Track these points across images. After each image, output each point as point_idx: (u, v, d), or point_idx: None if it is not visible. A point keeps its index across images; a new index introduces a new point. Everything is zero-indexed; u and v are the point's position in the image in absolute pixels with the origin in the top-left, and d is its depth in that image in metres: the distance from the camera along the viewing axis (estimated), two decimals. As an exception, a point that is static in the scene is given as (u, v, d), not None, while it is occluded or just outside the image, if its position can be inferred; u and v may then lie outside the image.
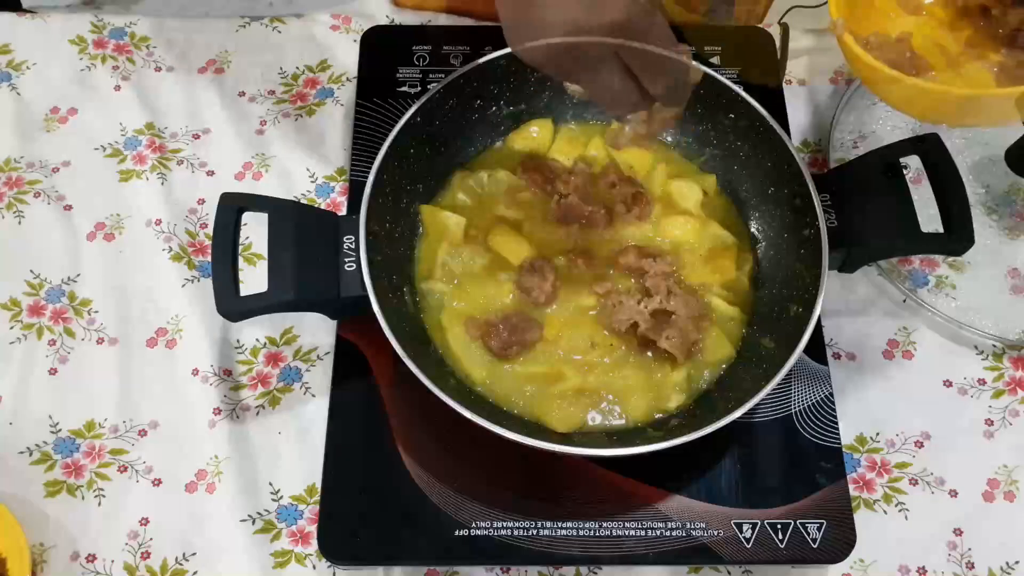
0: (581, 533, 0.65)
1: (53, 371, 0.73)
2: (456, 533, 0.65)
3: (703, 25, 0.90)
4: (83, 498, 0.69)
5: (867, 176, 0.69)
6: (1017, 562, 0.68)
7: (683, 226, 0.74)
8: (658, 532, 0.65)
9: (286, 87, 0.87)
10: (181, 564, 0.67)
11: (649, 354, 0.69)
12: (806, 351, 0.63)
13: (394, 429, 0.69)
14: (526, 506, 0.66)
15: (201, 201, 0.81)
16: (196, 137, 0.84)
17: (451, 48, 0.85)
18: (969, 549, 0.69)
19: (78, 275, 0.77)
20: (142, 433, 0.71)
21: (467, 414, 0.59)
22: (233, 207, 0.64)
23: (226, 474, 0.70)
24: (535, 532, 0.65)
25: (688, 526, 0.65)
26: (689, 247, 0.73)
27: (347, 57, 0.88)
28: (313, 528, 0.68)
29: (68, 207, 0.80)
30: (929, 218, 0.67)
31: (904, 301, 0.77)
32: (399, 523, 0.65)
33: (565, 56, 0.52)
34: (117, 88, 0.86)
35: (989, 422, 0.73)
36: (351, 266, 0.65)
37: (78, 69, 0.87)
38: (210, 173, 0.82)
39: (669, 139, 0.79)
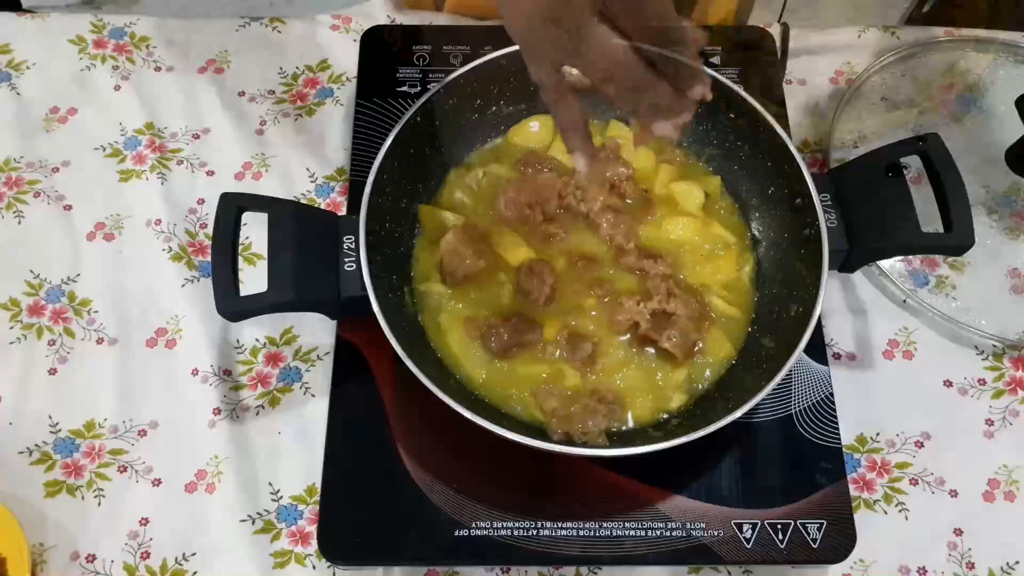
0: (581, 533, 0.65)
1: (53, 371, 0.73)
2: (456, 533, 0.65)
3: (703, 25, 0.90)
4: (83, 498, 0.69)
5: (867, 176, 0.69)
6: (1017, 562, 0.68)
7: (684, 227, 0.74)
8: (658, 532, 0.65)
9: (286, 87, 0.87)
10: (181, 564, 0.67)
11: (650, 353, 0.69)
12: (806, 351, 0.63)
13: (394, 429, 0.69)
14: (526, 506, 0.66)
15: (201, 201, 0.81)
16: (196, 137, 0.84)
17: (451, 48, 0.85)
18: (969, 549, 0.69)
19: (78, 275, 0.77)
20: (142, 433, 0.71)
21: (467, 415, 0.59)
22: (233, 207, 0.64)
23: (226, 474, 0.70)
24: (535, 532, 0.65)
25: (688, 526, 0.65)
26: (690, 247, 0.73)
27: (347, 57, 0.88)
28: (313, 528, 0.68)
29: (68, 207, 0.80)
30: (929, 218, 0.67)
31: (904, 301, 0.77)
32: (399, 523, 0.65)
33: (551, 26, 0.48)
34: (117, 88, 0.86)
35: (989, 422, 0.73)
36: (351, 266, 0.65)
37: (78, 69, 0.87)
38: (210, 173, 0.82)
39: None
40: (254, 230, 0.77)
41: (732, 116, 0.74)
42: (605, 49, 0.48)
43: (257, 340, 0.75)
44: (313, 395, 0.73)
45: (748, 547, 0.65)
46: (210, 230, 0.67)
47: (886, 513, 0.70)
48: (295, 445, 0.71)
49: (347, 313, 0.68)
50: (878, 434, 0.72)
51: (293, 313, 0.67)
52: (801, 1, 0.90)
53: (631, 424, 0.67)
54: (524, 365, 0.68)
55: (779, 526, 0.65)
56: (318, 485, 0.68)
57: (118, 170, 0.82)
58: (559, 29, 0.48)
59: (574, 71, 0.52)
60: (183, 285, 0.77)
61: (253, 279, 0.73)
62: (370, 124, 0.80)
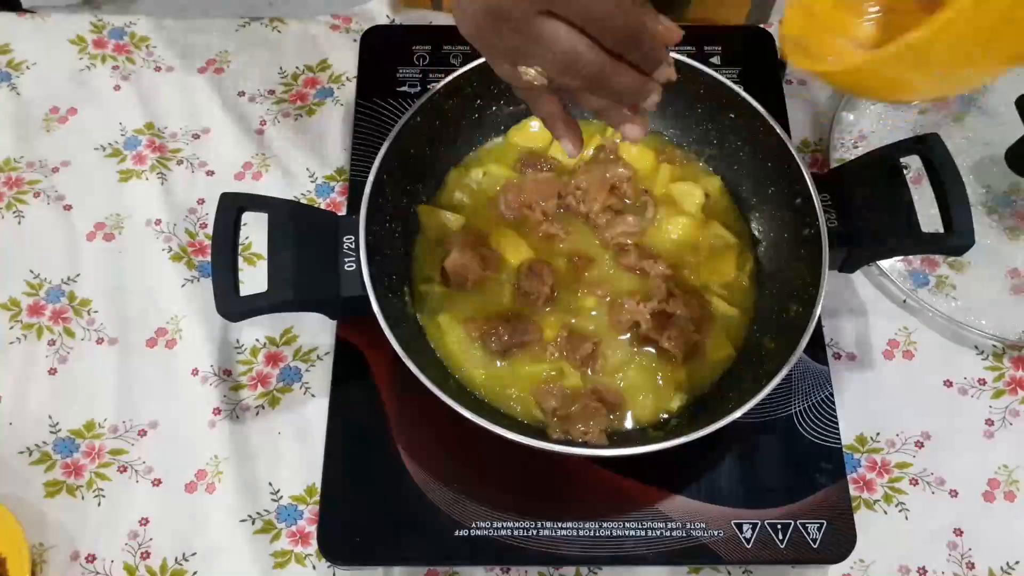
0: (581, 533, 0.65)
1: (53, 371, 0.73)
2: (456, 533, 0.65)
3: (703, 25, 0.90)
4: (83, 498, 0.69)
5: (867, 176, 0.69)
6: (1017, 562, 0.68)
7: (684, 227, 0.73)
8: (658, 532, 0.65)
9: (286, 87, 0.87)
10: (181, 564, 0.67)
11: (650, 353, 0.69)
12: (806, 351, 0.63)
13: (394, 429, 0.69)
14: (526, 506, 0.66)
15: (201, 201, 0.81)
16: (196, 137, 0.84)
17: (451, 48, 0.85)
18: (969, 549, 0.69)
19: (78, 275, 0.77)
20: (142, 433, 0.71)
21: (467, 415, 0.59)
22: (233, 207, 0.64)
23: (226, 474, 0.70)
24: (535, 532, 0.65)
25: (688, 526, 0.65)
26: (690, 248, 0.73)
27: (347, 57, 0.88)
28: (313, 528, 0.68)
29: (68, 207, 0.80)
30: (929, 218, 0.67)
31: (904, 301, 0.77)
32: (399, 523, 0.65)
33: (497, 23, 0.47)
34: (117, 88, 0.86)
35: (989, 422, 0.73)
36: (351, 266, 0.65)
37: (78, 69, 0.87)
38: (210, 173, 0.82)
39: (668, 138, 0.79)
40: (254, 230, 0.77)
41: (732, 116, 0.73)
42: (556, 42, 0.46)
43: (257, 340, 0.75)
44: (313, 395, 0.73)
45: (748, 547, 0.65)
46: (210, 230, 0.67)
47: (886, 513, 0.70)
48: (295, 445, 0.71)
49: (347, 313, 0.68)
50: (878, 434, 0.72)
51: (293, 313, 0.67)
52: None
53: (631, 424, 0.67)
54: (524, 365, 0.68)
55: (779, 526, 0.65)
56: (318, 485, 0.68)
57: (118, 170, 0.82)
58: (506, 27, 0.47)
59: (531, 71, 0.50)
60: (183, 285, 0.77)
61: (253, 279, 0.73)
62: (370, 124, 0.80)
